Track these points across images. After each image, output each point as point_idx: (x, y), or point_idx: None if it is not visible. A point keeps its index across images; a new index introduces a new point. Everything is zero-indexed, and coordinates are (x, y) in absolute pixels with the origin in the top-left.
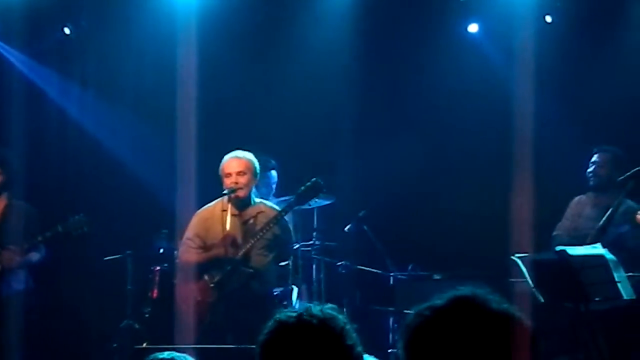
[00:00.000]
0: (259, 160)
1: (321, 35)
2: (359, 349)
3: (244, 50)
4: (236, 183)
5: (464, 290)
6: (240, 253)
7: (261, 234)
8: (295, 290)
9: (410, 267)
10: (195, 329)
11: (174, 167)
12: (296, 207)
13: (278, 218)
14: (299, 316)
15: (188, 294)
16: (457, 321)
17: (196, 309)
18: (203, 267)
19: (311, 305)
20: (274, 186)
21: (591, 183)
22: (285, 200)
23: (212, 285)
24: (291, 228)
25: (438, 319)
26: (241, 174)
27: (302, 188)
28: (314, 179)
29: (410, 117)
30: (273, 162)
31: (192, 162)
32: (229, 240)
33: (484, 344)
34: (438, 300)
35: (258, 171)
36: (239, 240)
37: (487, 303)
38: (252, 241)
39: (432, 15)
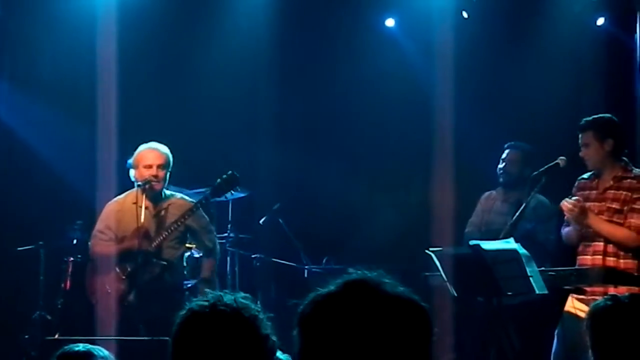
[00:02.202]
0: None
1: (239, 27)
2: (274, 338)
3: (163, 42)
4: (156, 176)
5: (356, 274)
6: (153, 245)
7: (175, 226)
8: None
9: (324, 260)
10: (108, 321)
11: (90, 158)
12: (212, 200)
13: (193, 210)
14: (213, 305)
15: (100, 286)
16: (350, 305)
17: (108, 301)
18: (115, 259)
19: (223, 294)
20: None
21: (501, 180)
22: (200, 192)
23: (124, 277)
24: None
25: (330, 304)
26: (161, 167)
27: (219, 180)
28: (230, 172)
29: (328, 111)
30: None
31: (111, 153)
32: (142, 233)
33: (378, 327)
34: (331, 286)
35: (172, 166)
36: (152, 232)
37: (379, 286)
38: (165, 233)
39: (349, 8)
